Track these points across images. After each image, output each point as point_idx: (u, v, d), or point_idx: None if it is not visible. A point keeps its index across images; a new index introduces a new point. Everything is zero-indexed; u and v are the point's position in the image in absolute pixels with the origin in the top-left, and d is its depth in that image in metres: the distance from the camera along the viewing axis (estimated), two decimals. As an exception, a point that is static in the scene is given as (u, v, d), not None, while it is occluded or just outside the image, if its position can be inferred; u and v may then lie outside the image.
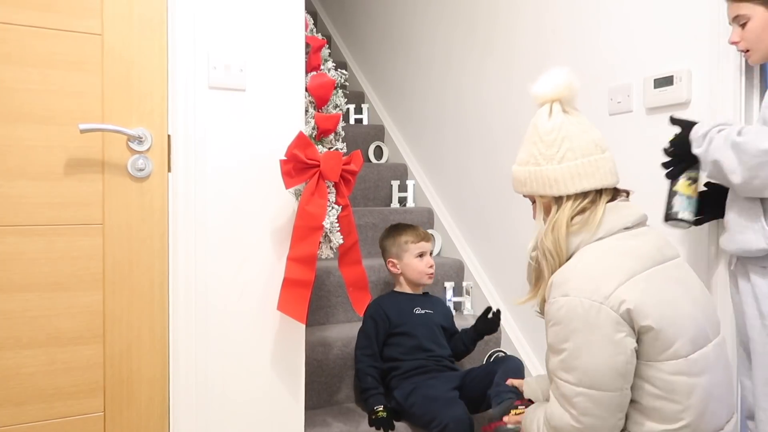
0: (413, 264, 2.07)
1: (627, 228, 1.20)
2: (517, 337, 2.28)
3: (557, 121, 1.21)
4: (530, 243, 1.27)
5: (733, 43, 1.40)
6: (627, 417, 1.15)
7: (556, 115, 1.21)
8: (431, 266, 2.09)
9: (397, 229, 2.15)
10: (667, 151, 1.48)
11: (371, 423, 1.82)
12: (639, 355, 1.12)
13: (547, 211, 1.26)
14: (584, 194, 1.20)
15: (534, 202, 1.30)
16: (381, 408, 1.84)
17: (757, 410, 1.35)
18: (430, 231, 2.76)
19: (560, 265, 1.20)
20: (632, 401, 1.14)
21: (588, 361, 1.10)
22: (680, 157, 1.45)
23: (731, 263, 1.43)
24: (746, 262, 1.36)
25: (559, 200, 1.22)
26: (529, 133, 1.27)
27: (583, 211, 1.20)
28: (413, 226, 2.16)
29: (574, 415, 1.12)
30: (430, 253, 2.13)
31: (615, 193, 1.25)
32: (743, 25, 1.36)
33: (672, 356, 1.10)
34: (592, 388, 1.10)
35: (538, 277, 1.25)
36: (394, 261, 2.11)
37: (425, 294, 2.17)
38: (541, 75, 1.27)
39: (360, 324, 2.22)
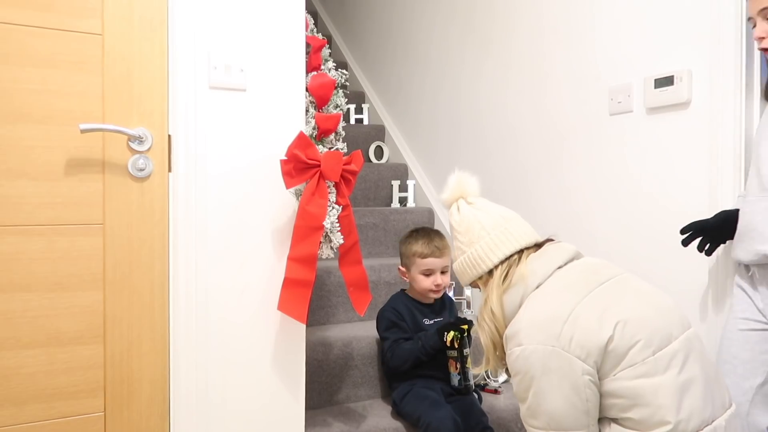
0: (418, 279, 1.98)
1: (560, 266, 1.29)
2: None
3: (464, 212, 1.40)
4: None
5: (759, 38, 1.37)
6: None
7: (462, 208, 1.41)
8: (438, 285, 1.98)
9: (413, 236, 2.03)
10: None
11: (450, 348, 1.86)
12: (602, 376, 1.15)
13: None
14: (507, 259, 1.33)
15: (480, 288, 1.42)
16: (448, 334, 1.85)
17: None
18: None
19: (499, 330, 1.29)
20: (610, 419, 1.17)
21: (551, 405, 1.15)
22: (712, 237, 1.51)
23: (748, 270, 1.44)
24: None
25: (490, 274, 1.35)
26: (450, 234, 1.44)
27: (509, 273, 1.33)
28: (430, 235, 2.00)
29: None
30: (443, 270, 1.99)
31: (539, 248, 1.36)
32: None
33: (627, 365, 1.13)
34: (560, 430, 1.15)
35: (484, 345, 1.35)
36: (404, 270, 2.04)
37: (435, 301, 2.08)
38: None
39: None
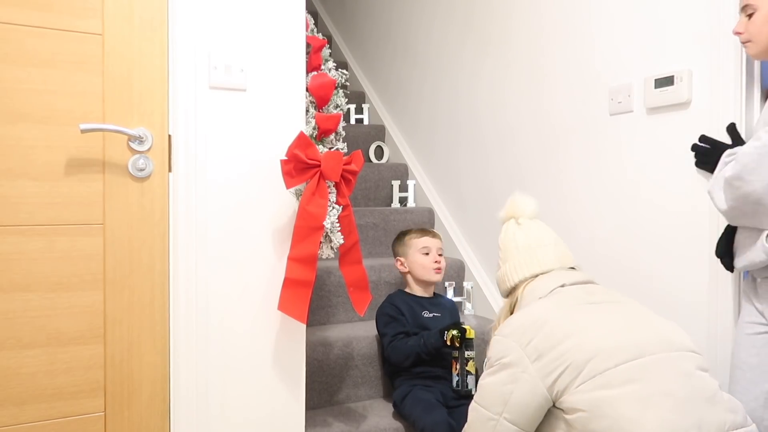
0: (418, 260, 2.05)
1: (563, 285, 1.38)
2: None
3: (508, 232, 1.52)
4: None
5: (736, 33, 1.40)
6: None
7: (509, 228, 1.53)
8: (437, 261, 2.06)
9: (405, 230, 2.19)
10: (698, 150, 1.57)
11: (450, 347, 1.86)
12: (565, 390, 1.18)
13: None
14: (523, 281, 1.44)
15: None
16: (449, 333, 1.85)
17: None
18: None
19: None
20: None
21: (485, 383, 1.29)
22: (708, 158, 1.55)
23: (755, 279, 1.42)
24: None
25: (513, 291, 1.47)
26: None
27: (517, 291, 1.45)
28: (421, 227, 2.15)
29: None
30: (438, 252, 2.09)
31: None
32: (750, 16, 1.36)
33: (588, 376, 1.16)
34: (479, 404, 1.29)
35: None
36: (402, 259, 2.11)
37: (435, 296, 2.14)
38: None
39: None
